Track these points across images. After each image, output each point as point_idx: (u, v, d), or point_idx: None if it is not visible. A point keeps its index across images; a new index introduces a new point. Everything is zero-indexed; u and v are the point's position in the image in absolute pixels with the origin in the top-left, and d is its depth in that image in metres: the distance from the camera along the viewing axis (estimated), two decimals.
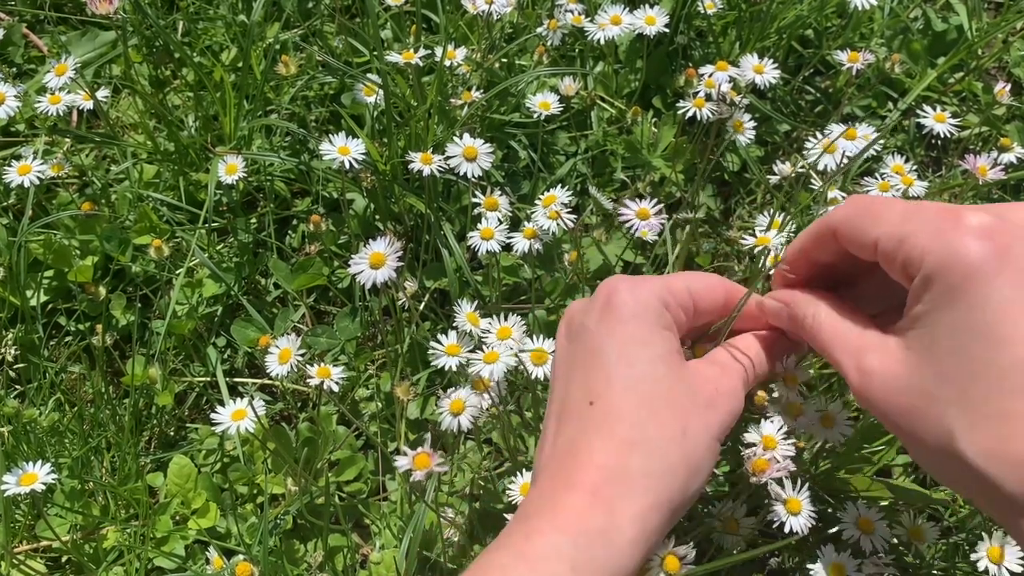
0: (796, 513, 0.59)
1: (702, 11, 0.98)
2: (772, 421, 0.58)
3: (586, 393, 0.48)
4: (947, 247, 0.41)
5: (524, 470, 0.69)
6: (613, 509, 0.44)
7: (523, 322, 0.70)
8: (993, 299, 0.39)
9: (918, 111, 0.90)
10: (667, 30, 0.92)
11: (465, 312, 0.70)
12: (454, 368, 0.68)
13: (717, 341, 0.55)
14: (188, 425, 0.87)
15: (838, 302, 0.50)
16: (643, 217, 0.76)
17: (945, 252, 0.41)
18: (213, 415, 0.70)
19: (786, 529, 0.59)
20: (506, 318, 0.69)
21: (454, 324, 0.70)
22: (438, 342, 0.68)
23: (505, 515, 0.66)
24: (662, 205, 0.77)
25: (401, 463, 0.58)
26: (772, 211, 0.81)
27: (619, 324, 0.49)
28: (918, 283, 0.42)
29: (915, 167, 0.83)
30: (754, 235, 0.76)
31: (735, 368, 0.52)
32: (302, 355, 0.72)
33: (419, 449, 0.58)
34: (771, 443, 0.57)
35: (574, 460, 0.46)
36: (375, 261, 0.68)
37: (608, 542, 0.43)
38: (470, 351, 0.68)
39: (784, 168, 0.87)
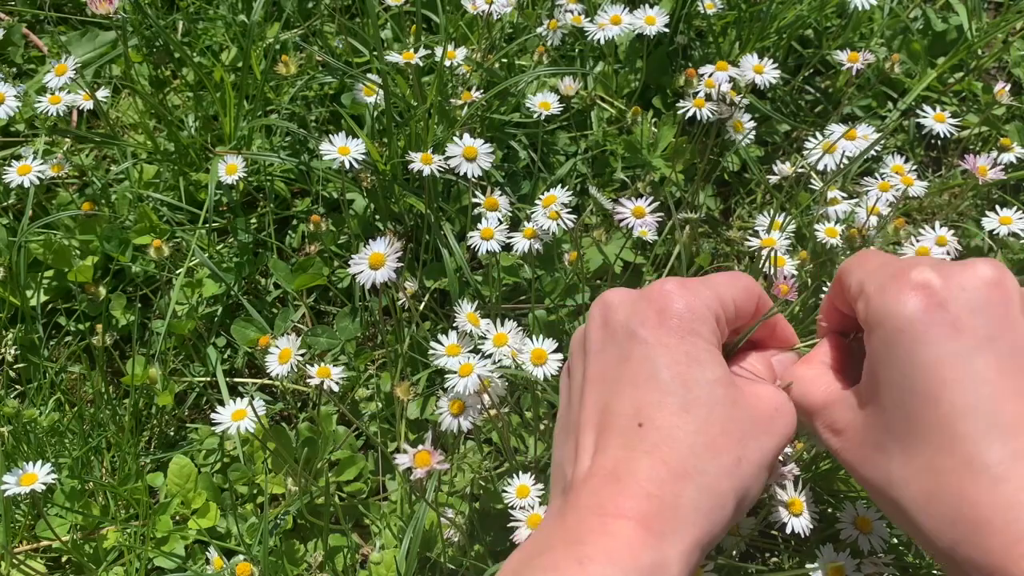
0: (798, 514, 0.59)
1: (702, 11, 0.98)
2: None
3: (635, 411, 0.45)
4: (886, 302, 0.42)
5: (522, 471, 0.69)
6: (663, 544, 0.42)
7: (519, 328, 0.69)
8: (922, 355, 0.40)
9: (918, 111, 0.90)
10: (667, 30, 0.92)
11: (465, 312, 0.70)
12: (455, 368, 0.68)
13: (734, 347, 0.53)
14: (188, 425, 0.87)
15: (825, 368, 0.49)
16: (639, 215, 0.76)
17: (884, 306, 0.42)
18: (213, 415, 0.70)
19: (788, 530, 0.59)
20: (503, 323, 0.69)
21: (454, 324, 0.70)
22: (439, 342, 0.68)
23: (511, 512, 0.66)
24: (657, 203, 0.77)
25: (402, 461, 0.57)
26: (772, 211, 0.81)
27: (675, 338, 0.46)
28: (867, 334, 0.43)
29: (915, 167, 0.83)
30: (758, 236, 0.76)
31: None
32: (302, 355, 0.72)
33: (420, 447, 0.58)
34: None
35: (621, 485, 0.43)
36: (375, 261, 0.68)
37: None
38: (469, 351, 0.68)
39: (784, 168, 0.87)
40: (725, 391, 0.45)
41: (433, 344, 0.69)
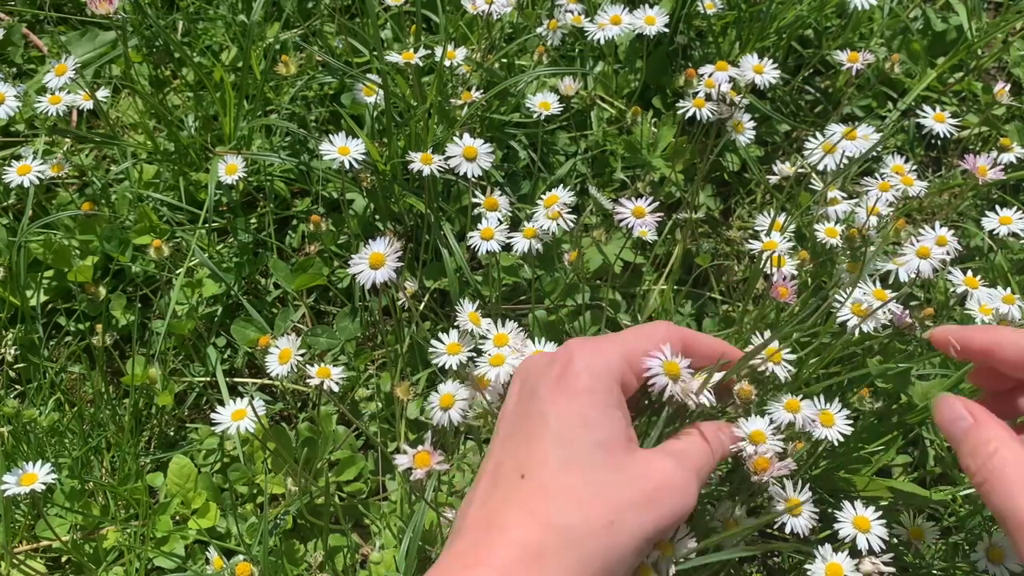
0: (797, 514, 0.59)
1: (702, 11, 0.98)
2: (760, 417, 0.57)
3: (520, 464, 0.47)
4: None
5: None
6: None
7: (519, 328, 0.69)
8: None
9: (918, 111, 0.90)
10: (667, 30, 0.92)
11: (467, 312, 0.70)
12: (454, 367, 0.68)
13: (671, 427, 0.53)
14: (188, 425, 0.87)
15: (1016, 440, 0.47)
16: (639, 215, 0.76)
17: None
18: (213, 415, 0.70)
19: (787, 530, 0.59)
20: (503, 323, 0.69)
21: (455, 324, 0.70)
22: (440, 341, 0.68)
23: None
24: (658, 203, 0.77)
25: (401, 461, 0.57)
26: (772, 211, 0.81)
27: (568, 398, 0.47)
28: None
29: (915, 167, 0.83)
30: (757, 237, 0.76)
31: (692, 459, 0.50)
32: (302, 355, 0.72)
33: (419, 447, 0.58)
34: (760, 437, 0.57)
35: (491, 532, 0.45)
36: (375, 261, 0.68)
37: None
38: (470, 350, 0.68)
39: (784, 168, 0.87)
40: (608, 456, 0.46)
41: (434, 343, 0.69)
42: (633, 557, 0.45)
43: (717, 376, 0.53)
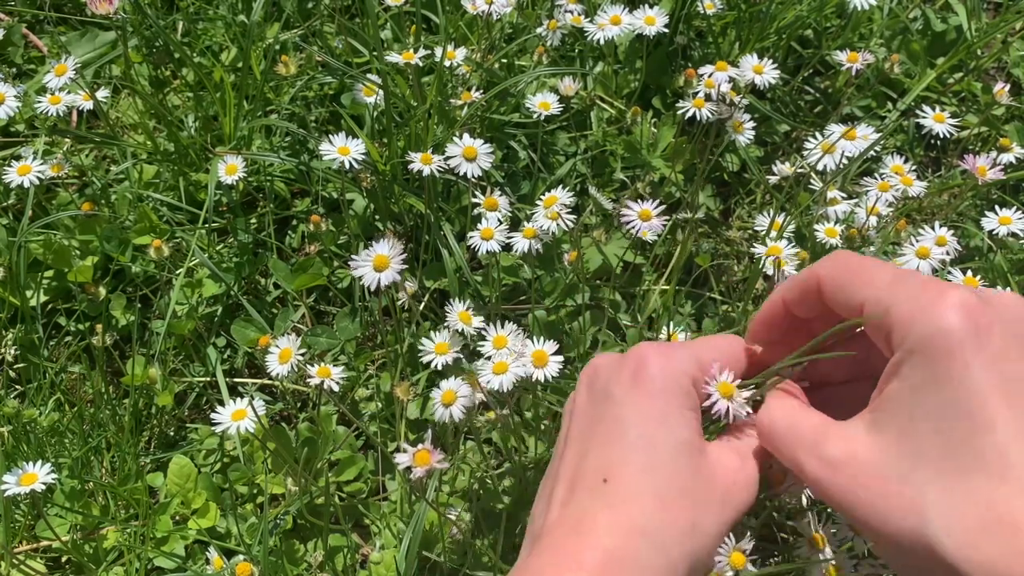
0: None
1: (702, 11, 0.98)
2: None
3: (602, 467, 0.46)
4: (931, 322, 0.40)
5: (524, 471, 0.69)
6: None
7: (518, 329, 0.70)
8: (974, 380, 0.38)
9: (917, 111, 0.90)
10: (667, 30, 0.92)
11: (457, 311, 0.71)
12: (440, 367, 0.69)
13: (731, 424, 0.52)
14: (188, 425, 0.87)
15: (790, 401, 0.49)
16: (645, 218, 0.76)
17: (929, 327, 0.40)
18: (213, 415, 0.70)
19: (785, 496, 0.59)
20: (503, 324, 0.69)
21: (446, 322, 0.71)
22: (429, 339, 0.69)
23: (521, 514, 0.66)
24: (664, 206, 0.77)
25: (401, 460, 0.58)
26: (772, 211, 0.82)
27: (646, 399, 0.47)
28: (899, 356, 0.42)
29: (914, 167, 0.83)
30: (758, 237, 0.76)
31: (756, 454, 0.50)
32: (302, 355, 0.72)
33: (419, 446, 0.58)
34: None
35: (581, 536, 0.44)
36: (379, 264, 0.68)
37: None
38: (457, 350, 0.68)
39: (784, 168, 0.87)
40: (688, 457, 0.46)
41: (423, 341, 0.69)
42: (711, 556, 0.46)
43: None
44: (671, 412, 0.47)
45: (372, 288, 0.68)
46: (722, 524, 0.46)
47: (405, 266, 0.68)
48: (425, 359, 0.69)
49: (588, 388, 0.50)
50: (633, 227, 0.76)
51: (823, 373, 0.51)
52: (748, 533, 0.51)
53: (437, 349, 0.69)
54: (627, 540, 0.43)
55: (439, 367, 0.70)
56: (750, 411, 0.51)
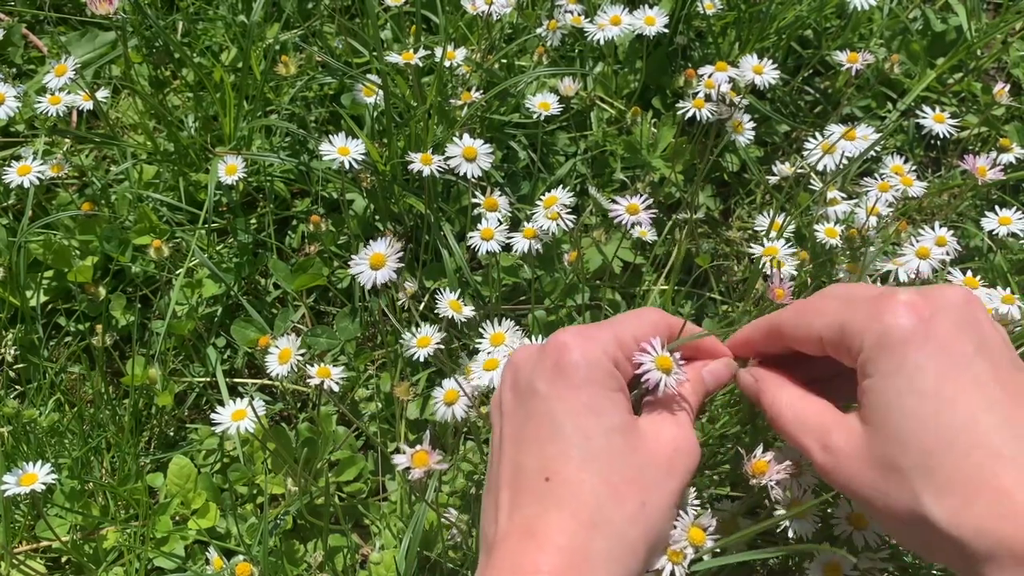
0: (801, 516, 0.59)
1: (701, 11, 0.98)
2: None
3: (542, 466, 0.46)
4: (882, 324, 0.44)
5: None
6: None
7: (516, 328, 0.70)
8: (930, 364, 0.42)
9: (917, 111, 0.90)
10: (666, 30, 0.92)
11: (447, 299, 0.71)
12: (422, 358, 0.70)
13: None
14: (188, 425, 0.87)
15: (799, 387, 0.51)
16: (632, 212, 0.76)
17: (881, 328, 0.44)
18: (213, 415, 0.70)
19: (790, 534, 0.59)
20: (499, 323, 0.70)
21: (436, 311, 0.72)
22: (412, 334, 0.70)
23: None
24: (652, 200, 0.77)
25: (400, 461, 0.58)
26: (772, 212, 0.82)
27: (571, 390, 0.47)
28: (863, 360, 0.45)
29: (914, 167, 0.83)
30: (757, 238, 0.76)
31: (686, 415, 0.51)
32: (302, 355, 0.72)
33: (418, 447, 0.58)
34: (762, 468, 0.57)
35: (533, 541, 0.44)
36: (375, 262, 0.68)
37: None
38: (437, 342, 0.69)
39: (783, 168, 0.87)
40: (624, 438, 0.47)
41: (405, 335, 0.70)
42: (667, 527, 0.48)
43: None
44: (599, 399, 0.47)
45: (368, 287, 0.68)
46: (671, 495, 0.47)
47: (402, 264, 0.68)
48: (407, 353, 0.70)
49: (512, 386, 0.50)
50: (621, 220, 0.76)
51: (816, 371, 0.53)
52: (709, 509, 0.52)
53: (419, 343, 0.70)
54: (580, 535, 0.44)
55: (422, 359, 0.70)
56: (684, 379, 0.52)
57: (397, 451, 0.58)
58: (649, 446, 0.48)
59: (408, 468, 0.57)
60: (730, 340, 0.56)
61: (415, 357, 0.70)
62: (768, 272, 0.73)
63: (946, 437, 0.41)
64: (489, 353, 0.70)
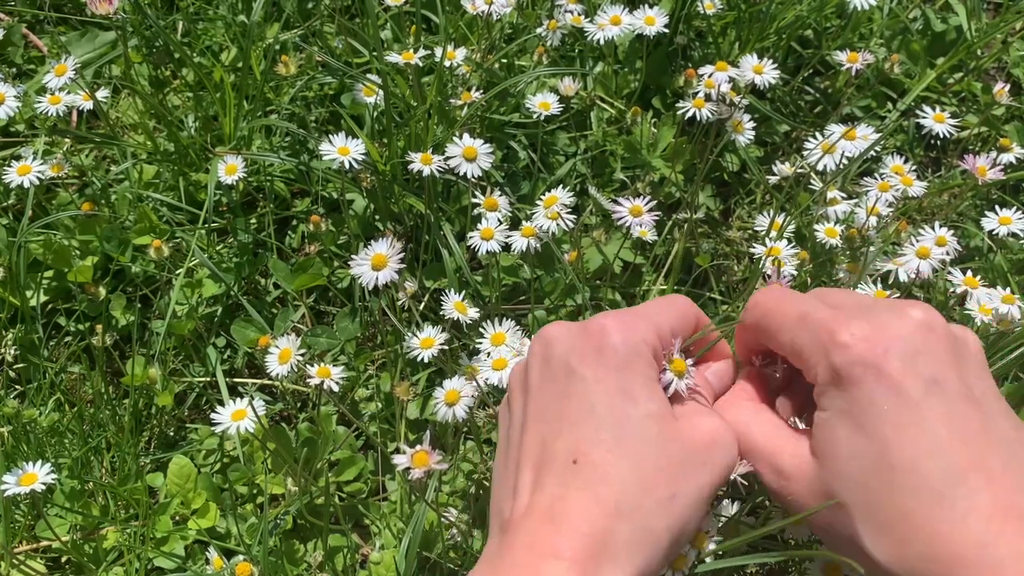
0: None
1: (701, 11, 0.98)
2: None
3: (571, 448, 0.45)
4: (833, 361, 0.43)
5: None
6: None
7: (517, 328, 0.70)
8: (878, 407, 0.42)
9: (917, 111, 0.90)
10: (667, 30, 0.92)
11: (453, 300, 0.71)
12: (426, 359, 0.71)
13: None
14: (188, 425, 0.87)
15: (758, 407, 0.51)
16: (636, 214, 0.76)
17: (831, 365, 0.43)
18: (213, 415, 0.70)
19: (789, 534, 0.59)
20: (500, 322, 0.70)
21: (442, 312, 0.71)
22: (414, 335, 0.70)
23: None
24: (655, 202, 0.77)
25: (400, 461, 0.57)
26: (772, 212, 0.82)
27: (610, 373, 0.46)
28: (817, 392, 0.45)
29: (914, 167, 0.83)
30: (758, 238, 0.76)
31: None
32: (302, 355, 0.72)
33: (418, 447, 0.58)
34: None
35: (555, 524, 0.43)
36: (377, 263, 0.68)
37: None
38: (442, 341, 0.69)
39: (784, 168, 0.87)
40: (660, 427, 0.45)
41: (407, 336, 0.70)
42: (696, 522, 0.46)
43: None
44: (638, 385, 0.46)
45: (370, 288, 0.68)
46: (704, 487, 0.46)
47: (403, 265, 0.68)
48: (411, 355, 0.70)
49: (543, 362, 0.49)
50: (624, 223, 0.76)
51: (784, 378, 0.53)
52: (710, 512, 0.51)
53: (423, 344, 0.70)
54: (604, 523, 0.43)
55: (425, 360, 0.70)
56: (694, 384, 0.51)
57: (397, 451, 0.58)
58: (685, 437, 0.46)
59: (408, 468, 0.57)
60: (736, 343, 0.55)
61: (419, 359, 0.70)
62: (768, 272, 0.73)
63: (888, 479, 0.41)
64: (490, 354, 0.70)
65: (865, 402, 0.42)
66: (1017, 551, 0.38)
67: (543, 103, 0.89)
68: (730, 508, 0.64)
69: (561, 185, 0.89)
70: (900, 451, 0.41)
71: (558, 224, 0.75)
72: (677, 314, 0.51)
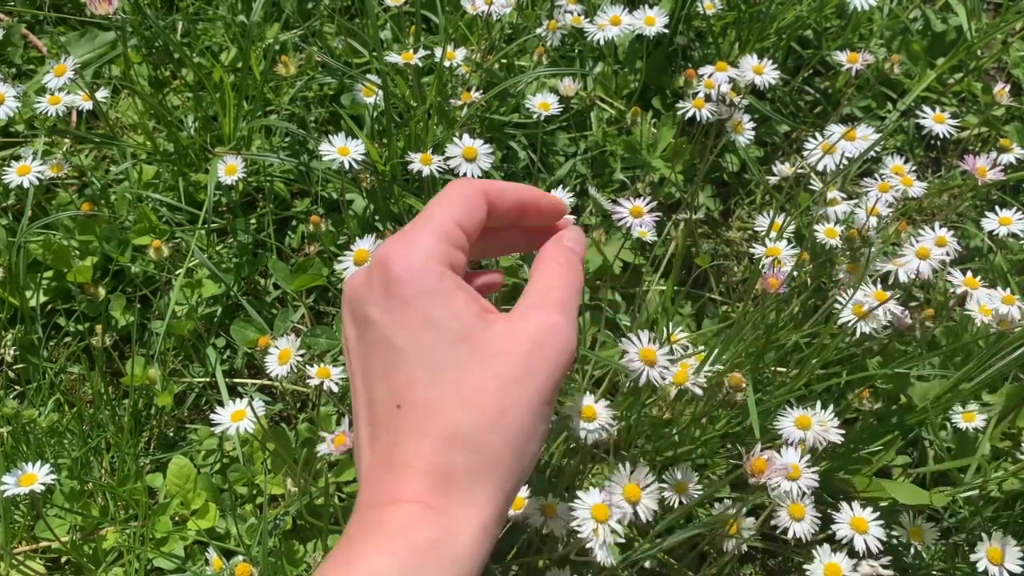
0: (799, 519, 0.59)
1: (701, 12, 0.98)
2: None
3: (391, 395, 0.44)
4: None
5: None
6: (444, 517, 0.41)
7: None
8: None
9: (917, 112, 0.90)
10: (666, 31, 0.92)
11: None
12: None
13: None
14: (187, 426, 0.87)
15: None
16: (636, 215, 0.76)
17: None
18: (212, 416, 0.70)
19: (790, 535, 0.59)
20: None
21: None
22: None
23: None
24: (655, 203, 0.77)
25: (322, 449, 0.58)
26: (772, 212, 0.81)
27: (404, 308, 0.45)
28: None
29: (914, 168, 0.83)
30: (762, 244, 0.76)
31: (552, 299, 0.47)
32: (302, 356, 0.72)
33: (337, 430, 0.57)
34: (761, 467, 0.57)
35: (393, 471, 0.42)
36: (359, 259, 0.69)
37: (442, 553, 0.41)
38: None
39: (784, 169, 0.87)
40: (470, 346, 0.44)
41: None
42: (536, 427, 0.44)
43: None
44: (434, 310, 0.44)
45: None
46: (533, 393, 0.44)
47: None
48: None
49: (351, 318, 0.48)
50: (625, 223, 0.76)
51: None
52: (647, 468, 0.50)
53: None
54: (439, 457, 0.42)
55: None
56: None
57: (321, 439, 0.58)
58: (503, 346, 0.44)
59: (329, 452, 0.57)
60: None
61: None
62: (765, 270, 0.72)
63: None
64: None
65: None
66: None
67: (543, 103, 0.89)
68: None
69: (561, 185, 0.89)
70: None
71: None
72: (462, 207, 0.49)
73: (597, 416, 0.56)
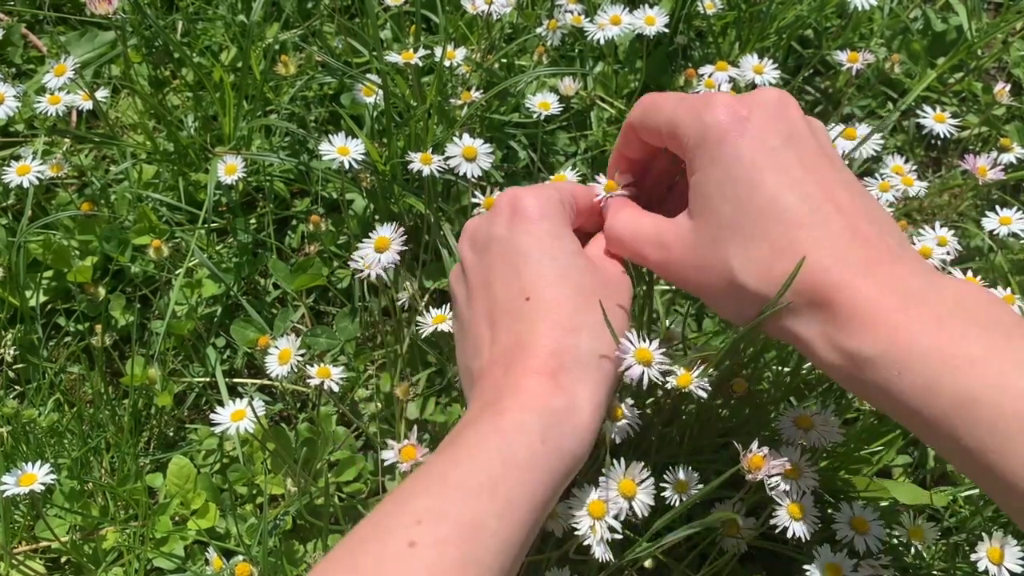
0: (799, 518, 0.59)
1: (702, 11, 0.98)
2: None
3: (519, 291, 0.51)
4: (702, 122, 0.49)
5: None
6: (571, 391, 0.48)
7: None
8: (744, 155, 0.48)
9: (918, 111, 0.90)
10: (667, 30, 0.92)
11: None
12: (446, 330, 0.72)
13: None
14: (187, 426, 0.87)
15: (628, 210, 0.57)
16: None
17: (701, 126, 0.49)
18: (212, 416, 0.70)
19: (789, 535, 0.58)
20: None
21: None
22: (428, 312, 0.72)
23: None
24: None
25: (387, 456, 0.58)
26: None
27: (533, 224, 0.52)
28: (689, 158, 0.51)
29: (915, 167, 0.83)
30: None
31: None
32: (302, 355, 0.72)
33: (405, 441, 0.58)
34: (758, 463, 0.57)
35: (525, 351, 0.49)
36: (380, 245, 0.70)
37: (570, 419, 0.47)
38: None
39: None
40: (585, 260, 0.53)
41: (419, 319, 0.71)
42: (623, 334, 0.52)
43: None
44: (559, 229, 0.53)
45: (374, 271, 0.69)
46: (620, 309, 0.53)
47: (405, 247, 0.70)
48: (424, 333, 0.72)
49: (471, 247, 0.55)
50: None
51: (655, 190, 0.60)
52: (642, 464, 0.55)
53: (435, 320, 0.72)
54: (566, 339, 0.49)
55: (428, 363, 0.70)
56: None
57: (385, 446, 0.59)
58: (601, 270, 0.54)
59: (396, 463, 0.57)
60: (610, 162, 0.61)
61: (422, 334, 0.72)
62: None
63: (753, 213, 0.47)
64: None
65: (732, 155, 0.48)
66: (851, 262, 0.46)
67: (543, 103, 0.89)
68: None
69: None
70: (764, 189, 0.47)
71: None
72: (574, 187, 0.58)
73: (623, 415, 0.57)
